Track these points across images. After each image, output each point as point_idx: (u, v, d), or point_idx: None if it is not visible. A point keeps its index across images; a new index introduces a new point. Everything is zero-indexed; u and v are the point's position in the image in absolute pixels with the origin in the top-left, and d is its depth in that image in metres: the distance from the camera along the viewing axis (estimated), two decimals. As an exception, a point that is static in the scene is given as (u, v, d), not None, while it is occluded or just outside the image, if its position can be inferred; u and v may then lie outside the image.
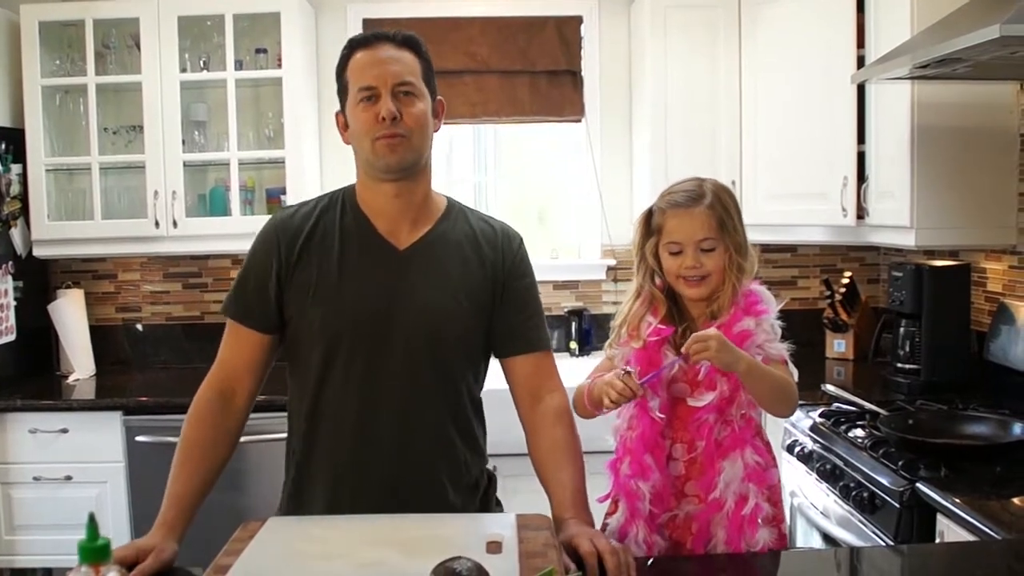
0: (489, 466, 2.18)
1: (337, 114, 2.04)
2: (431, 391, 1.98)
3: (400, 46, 1.97)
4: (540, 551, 1.68)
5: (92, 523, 1.41)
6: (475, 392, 2.10)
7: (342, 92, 2.00)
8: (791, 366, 2.10)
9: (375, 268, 1.97)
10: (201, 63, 3.97)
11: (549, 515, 1.90)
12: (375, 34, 1.98)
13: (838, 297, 3.87)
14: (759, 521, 2.00)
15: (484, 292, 2.03)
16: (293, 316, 1.98)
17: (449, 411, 2.02)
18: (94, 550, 1.40)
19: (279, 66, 3.89)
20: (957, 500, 2.16)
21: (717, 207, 2.11)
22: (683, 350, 1.96)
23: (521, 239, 2.14)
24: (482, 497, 2.11)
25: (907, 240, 3.17)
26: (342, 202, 2.04)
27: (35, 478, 3.58)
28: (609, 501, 2.17)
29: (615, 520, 2.12)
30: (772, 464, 2.14)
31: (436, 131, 2.05)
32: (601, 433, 2.27)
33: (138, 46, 3.87)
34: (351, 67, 1.97)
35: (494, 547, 1.67)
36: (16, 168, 3.90)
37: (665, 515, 2.09)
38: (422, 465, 1.98)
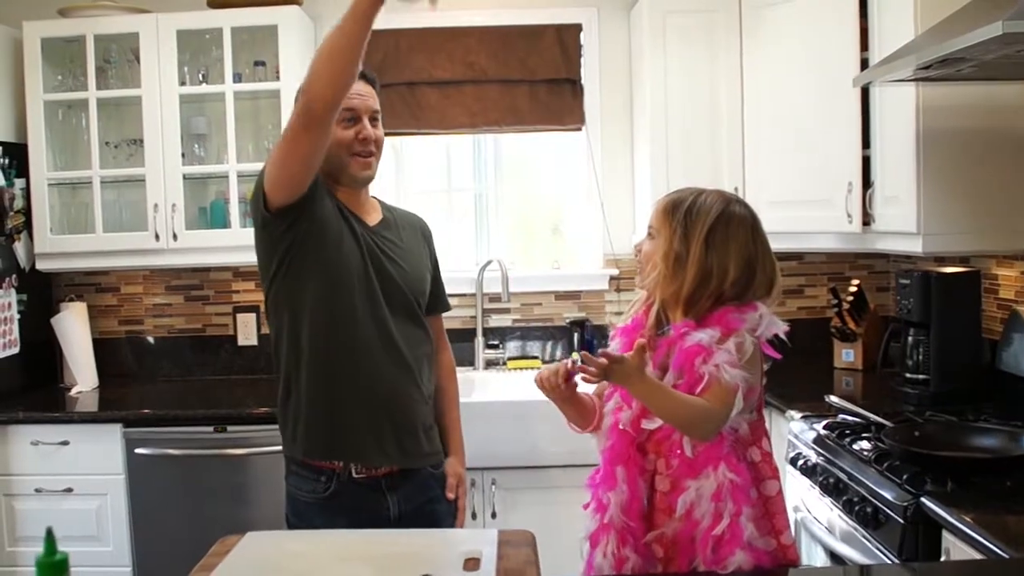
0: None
1: None
2: (413, 331, 2.56)
3: (367, 82, 2.53)
4: (519, 568, 1.65)
5: (50, 537, 1.41)
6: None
7: None
8: (739, 396, 2.01)
9: (361, 236, 2.49)
10: (200, 76, 3.96)
11: (530, 530, 1.97)
12: None
13: (845, 306, 3.81)
14: (744, 541, 1.94)
15: (427, 260, 2.70)
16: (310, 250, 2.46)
17: (422, 348, 2.59)
18: (52, 565, 1.40)
19: (278, 78, 3.86)
20: (963, 516, 2.09)
21: (674, 206, 2.11)
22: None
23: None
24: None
25: (914, 246, 3.09)
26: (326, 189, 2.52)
27: (36, 490, 3.59)
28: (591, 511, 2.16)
29: (585, 528, 2.11)
30: (770, 476, 2.09)
31: None
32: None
33: (138, 60, 3.86)
34: None
35: (472, 564, 1.64)
36: (19, 182, 3.92)
37: (652, 534, 2.04)
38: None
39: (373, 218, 2.59)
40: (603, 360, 1.94)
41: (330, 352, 2.45)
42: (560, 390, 2.09)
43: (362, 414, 2.45)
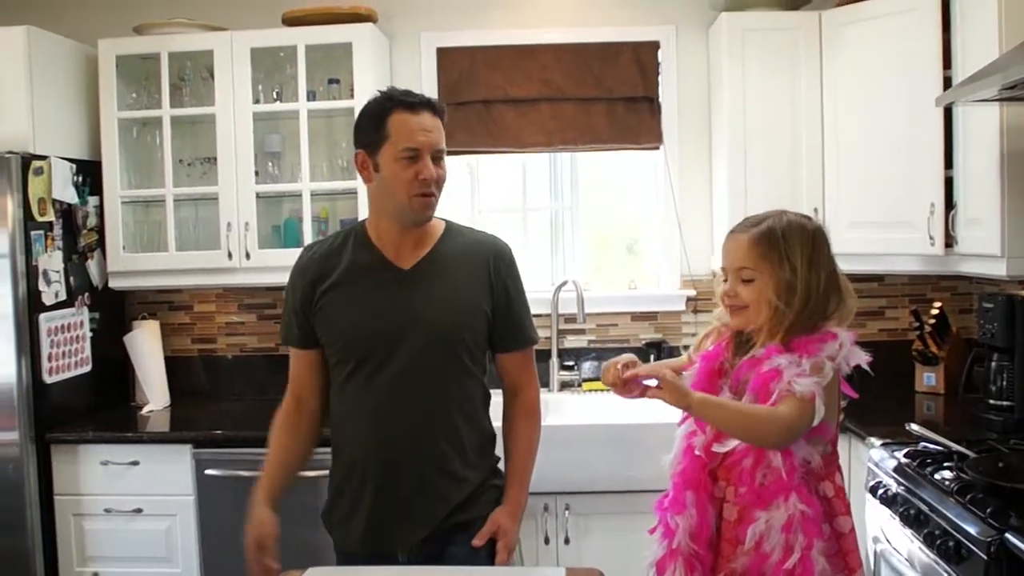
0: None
1: (360, 153, 2.35)
2: (438, 388, 2.34)
3: (435, 114, 2.32)
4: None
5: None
6: (479, 383, 2.44)
7: (378, 139, 2.29)
8: (819, 402, 1.96)
9: (384, 290, 2.35)
10: (274, 94, 3.98)
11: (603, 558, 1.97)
12: (420, 100, 2.31)
13: (927, 328, 3.70)
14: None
15: (483, 296, 2.39)
16: (322, 337, 2.41)
17: (454, 401, 2.36)
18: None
19: (352, 96, 3.84)
20: (1053, 555, 1.99)
21: (767, 238, 2.05)
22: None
23: (510, 249, 2.50)
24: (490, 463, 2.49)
25: (998, 270, 2.99)
26: (354, 238, 2.44)
27: (106, 510, 3.58)
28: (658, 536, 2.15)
29: (652, 554, 2.08)
30: (843, 512, 2.03)
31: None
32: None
33: (212, 78, 3.88)
34: (395, 122, 2.27)
35: (536, 601, 1.59)
36: (93, 200, 3.95)
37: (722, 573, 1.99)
38: (433, 451, 2.34)
39: (413, 257, 2.38)
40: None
41: (336, 390, 2.46)
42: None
43: (357, 466, 2.41)
